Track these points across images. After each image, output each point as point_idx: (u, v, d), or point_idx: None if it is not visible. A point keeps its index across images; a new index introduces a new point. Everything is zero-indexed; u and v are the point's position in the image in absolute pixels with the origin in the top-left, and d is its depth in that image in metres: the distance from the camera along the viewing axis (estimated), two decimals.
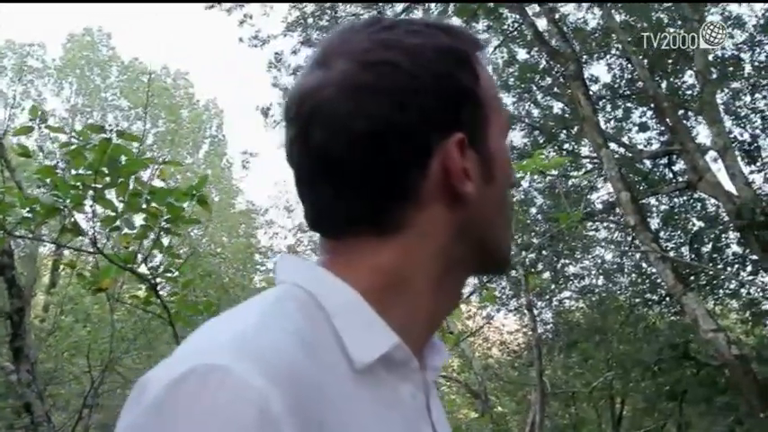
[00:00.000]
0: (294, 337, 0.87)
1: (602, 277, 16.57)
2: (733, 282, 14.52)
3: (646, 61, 12.84)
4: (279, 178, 39.05)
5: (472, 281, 15.56)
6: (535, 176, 13.44)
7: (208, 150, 26.38)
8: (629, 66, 13.52)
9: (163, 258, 5.31)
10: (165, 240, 4.80)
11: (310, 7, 14.22)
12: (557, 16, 12.77)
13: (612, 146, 12.60)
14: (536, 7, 12.65)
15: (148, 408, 0.79)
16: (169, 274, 4.91)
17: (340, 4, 14.13)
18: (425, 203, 0.98)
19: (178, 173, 19.20)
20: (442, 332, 7.27)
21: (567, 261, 16.09)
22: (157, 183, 8.06)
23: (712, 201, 13.33)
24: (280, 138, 1.06)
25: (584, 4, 14.01)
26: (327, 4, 14.11)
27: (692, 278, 12.77)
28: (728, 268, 14.20)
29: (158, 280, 4.82)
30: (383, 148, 0.96)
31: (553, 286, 16.25)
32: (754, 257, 13.15)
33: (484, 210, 1.02)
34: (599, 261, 16.49)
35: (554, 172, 13.12)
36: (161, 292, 4.93)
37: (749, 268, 14.18)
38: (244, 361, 0.81)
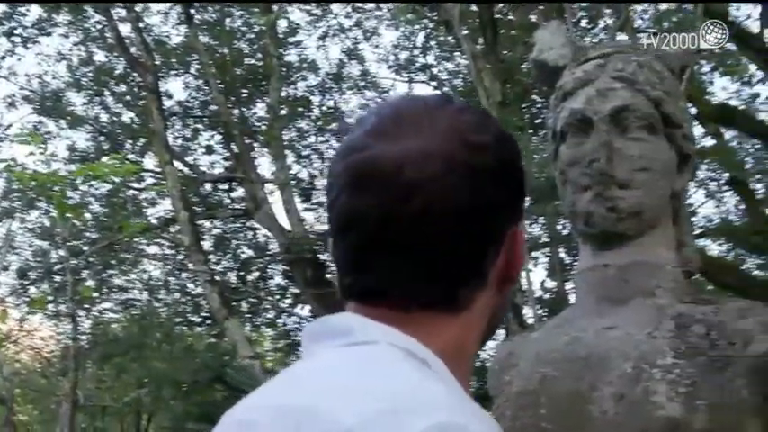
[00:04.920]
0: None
1: (146, 292, 16.43)
2: (272, 311, 15.14)
3: (222, 86, 13.07)
4: None
5: (11, 282, 14.72)
6: (93, 183, 12.98)
7: None
8: (206, 87, 13.67)
9: None
10: None
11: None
12: (141, 25, 12.59)
13: (177, 164, 12.62)
14: (122, 12, 12.37)
15: None
16: None
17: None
18: (488, 285, 1.04)
19: None
20: None
21: (113, 272, 15.73)
22: None
23: (263, 231, 13.82)
24: None
25: (172, 20, 14.00)
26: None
27: (236, 304, 13.10)
28: (270, 297, 14.78)
29: None
30: (475, 227, 0.99)
31: (95, 295, 15.79)
32: (296, 290, 13.85)
33: (508, 295, 1.11)
34: (145, 276, 16.33)
35: (116, 180, 12.79)
36: None
37: (289, 300, 14.87)
38: (476, 422, 0.88)
